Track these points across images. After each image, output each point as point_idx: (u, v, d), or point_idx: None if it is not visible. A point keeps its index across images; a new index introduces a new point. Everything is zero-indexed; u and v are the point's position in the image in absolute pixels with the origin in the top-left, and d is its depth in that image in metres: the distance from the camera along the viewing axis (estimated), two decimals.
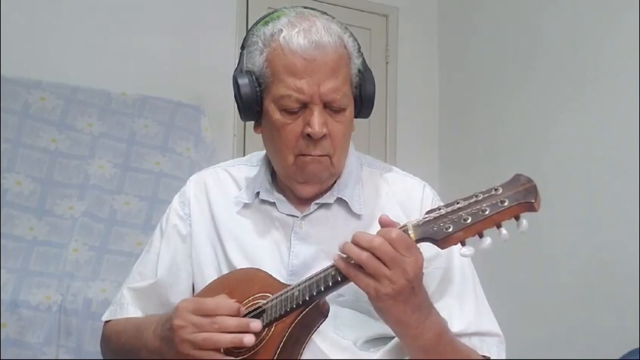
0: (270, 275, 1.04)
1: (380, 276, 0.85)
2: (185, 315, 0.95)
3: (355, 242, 0.87)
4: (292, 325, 0.96)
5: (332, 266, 0.92)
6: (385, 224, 0.89)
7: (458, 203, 0.86)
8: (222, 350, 0.94)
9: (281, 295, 0.98)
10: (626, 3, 2.59)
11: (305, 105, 1.01)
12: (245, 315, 1.00)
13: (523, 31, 3.14)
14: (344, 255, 0.89)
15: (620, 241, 2.53)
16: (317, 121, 1.00)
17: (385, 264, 0.85)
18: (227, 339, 0.92)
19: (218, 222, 1.15)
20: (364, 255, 0.85)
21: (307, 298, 0.94)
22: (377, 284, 0.85)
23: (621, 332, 2.38)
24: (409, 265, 0.85)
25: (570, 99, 2.84)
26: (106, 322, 1.20)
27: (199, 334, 0.93)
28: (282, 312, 0.96)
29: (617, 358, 2.17)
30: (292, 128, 1.02)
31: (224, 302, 0.96)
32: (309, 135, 1.01)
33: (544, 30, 3.01)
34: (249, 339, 0.92)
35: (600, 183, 2.66)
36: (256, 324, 0.94)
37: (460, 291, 1.07)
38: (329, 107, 1.02)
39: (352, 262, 0.87)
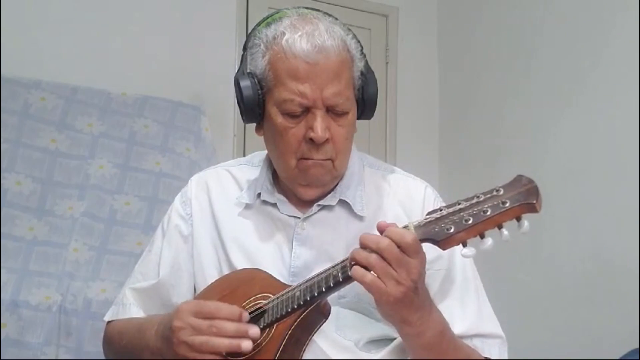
0: (272, 276, 1.04)
1: (387, 278, 0.85)
2: (184, 317, 0.94)
3: (363, 245, 0.87)
4: (293, 326, 0.95)
5: (333, 266, 0.92)
6: (384, 228, 0.88)
7: (459, 204, 0.86)
8: (224, 353, 0.93)
9: (282, 295, 0.98)
10: (626, 3, 2.59)
11: (307, 110, 1.01)
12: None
13: (523, 31, 3.14)
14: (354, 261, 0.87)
15: (620, 241, 2.54)
16: (319, 126, 0.99)
17: (391, 265, 0.85)
18: (224, 343, 0.91)
19: (219, 223, 1.15)
20: (372, 258, 0.85)
21: (309, 298, 0.93)
22: (386, 287, 0.84)
23: (621, 332, 2.38)
24: (414, 266, 0.85)
25: (570, 98, 2.84)
26: (108, 322, 1.20)
27: (197, 337, 0.92)
28: (283, 313, 0.96)
29: (617, 358, 2.18)
30: (294, 132, 1.02)
31: (225, 305, 0.95)
32: (311, 139, 1.00)
33: (544, 30, 3.01)
34: (246, 345, 0.91)
35: (600, 183, 2.66)
36: (255, 330, 0.93)
37: (461, 293, 1.07)
38: (331, 111, 1.01)
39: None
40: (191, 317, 0.94)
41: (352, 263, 0.88)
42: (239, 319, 0.94)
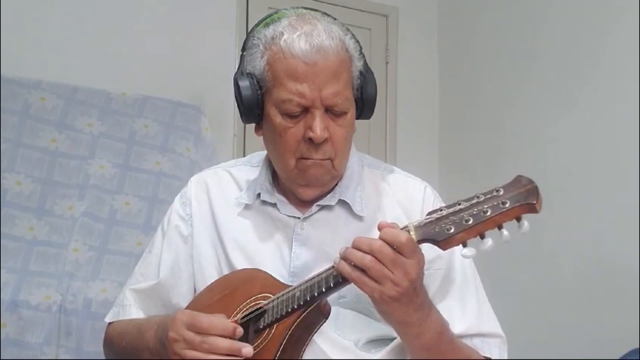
0: (272, 276, 1.04)
1: (383, 279, 0.85)
2: (179, 329, 0.95)
3: (356, 247, 0.87)
4: (293, 326, 0.96)
5: (333, 267, 0.92)
6: (385, 228, 0.88)
7: (459, 204, 0.86)
8: None
9: (282, 295, 0.98)
10: (626, 3, 2.59)
11: (306, 110, 1.01)
12: (245, 316, 1.00)
13: (523, 31, 3.14)
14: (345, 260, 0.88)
15: (620, 241, 2.54)
16: (318, 126, 0.99)
17: (386, 266, 0.85)
18: None
19: (219, 223, 1.15)
20: (367, 259, 0.85)
21: (309, 299, 0.94)
22: (381, 287, 0.85)
23: (621, 332, 2.38)
24: (411, 266, 0.85)
25: (570, 98, 2.84)
26: (109, 323, 1.20)
27: (189, 351, 0.93)
28: (283, 313, 0.96)
29: (617, 358, 2.18)
30: (293, 132, 1.02)
31: (219, 321, 0.95)
32: (310, 139, 1.00)
33: (544, 30, 3.01)
34: None
35: (600, 183, 2.66)
36: (247, 350, 0.93)
37: (461, 292, 1.07)
38: (330, 111, 1.01)
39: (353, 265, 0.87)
40: (185, 330, 0.94)
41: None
42: (232, 335, 0.94)
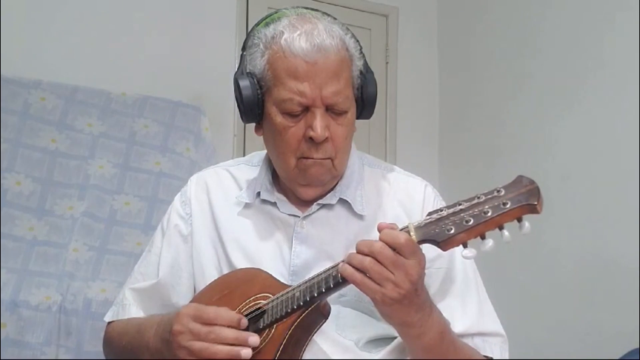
0: (271, 276, 1.04)
1: (384, 280, 0.84)
2: (184, 321, 0.95)
3: (357, 250, 0.87)
4: (292, 326, 0.95)
5: (333, 267, 0.92)
6: (384, 228, 0.88)
7: (460, 204, 0.85)
8: None
9: (282, 296, 0.98)
10: (626, 3, 2.59)
11: (307, 109, 1.00)
12: (245, 316, 1.00)
13: (523, 31, 3.14)
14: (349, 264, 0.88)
15: (620, 241, 2.54)
16: (319, 125, 0.99)
17: (387, 268, 0.84)
18: (224, 350, 0.92)
19: (219, 222, 1.14)
20: (366, 261, 0.85)
21: (308, 299, 0.93)
22: (383, 289, 0.84)
23: (621, 332, 2.38)
24: (411, 267, 0.85)
25: (570, 98, 2.84)
26: (109, 322, 1.20)
27: (196, 342, 0.93)
28: (283, 313, 0.96)
29: (617, 358, 2.18)
30: (294, 131, 1.01)
31: (225, 312, 0.95)
32: (311, 138, 1.00)
33: (544, 30, 3.01)
34: (245, 353, 0.92)
35: (600, 183, 2.66)
36: (254, 339, 0.93)
37: (462, 291, 1.07)
38: (330, 110, 1.01)
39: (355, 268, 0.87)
40: (191, 322, 0.94)
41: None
42: (237, 326, 0.94)
